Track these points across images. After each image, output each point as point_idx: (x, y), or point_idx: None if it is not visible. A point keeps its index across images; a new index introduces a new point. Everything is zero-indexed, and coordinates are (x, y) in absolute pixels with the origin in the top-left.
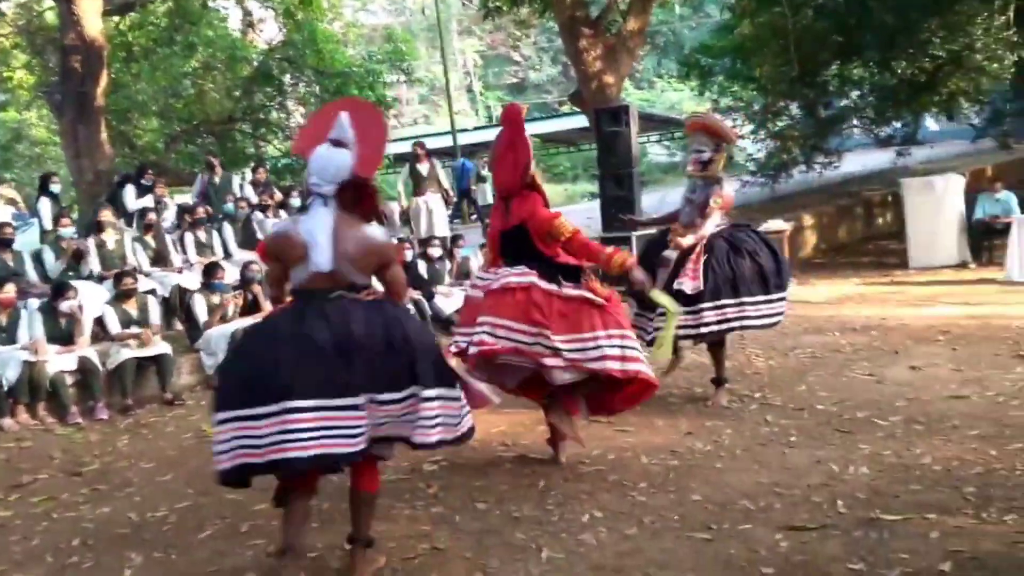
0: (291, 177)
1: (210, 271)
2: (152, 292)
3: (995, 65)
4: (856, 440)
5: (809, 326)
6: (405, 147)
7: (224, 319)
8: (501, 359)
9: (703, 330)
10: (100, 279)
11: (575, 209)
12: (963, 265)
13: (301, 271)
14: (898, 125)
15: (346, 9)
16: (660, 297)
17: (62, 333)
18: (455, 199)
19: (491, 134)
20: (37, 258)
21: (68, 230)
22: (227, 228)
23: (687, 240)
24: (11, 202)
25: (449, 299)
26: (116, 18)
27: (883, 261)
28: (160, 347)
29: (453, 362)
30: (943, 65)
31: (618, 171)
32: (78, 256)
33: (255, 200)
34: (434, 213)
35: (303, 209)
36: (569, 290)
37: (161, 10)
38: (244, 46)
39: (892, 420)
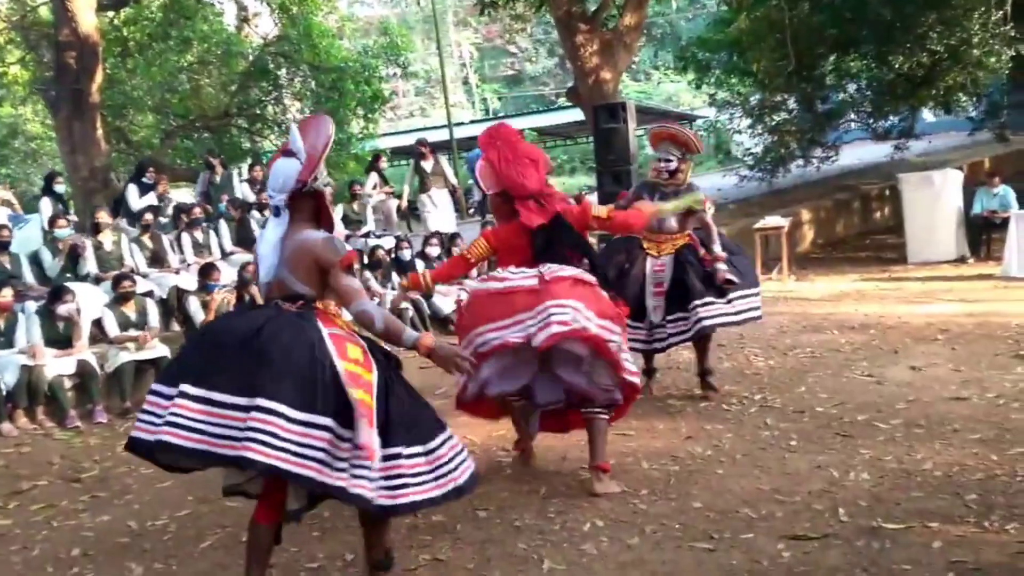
0: None
1: (206, 272)
2: (150, 294)
3: (992, 60)
4: (856, 444)
5: (808, 324)
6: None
7: None
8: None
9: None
10: (97, 281)
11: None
12: (961, 260)
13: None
14: (895, 119)
15: (341, 2)
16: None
17: (60, 336)
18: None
19: (488, 127)
20: (35, 260)
21: (64, 231)
22: (223, 227)
23: (717, 249)
24: (6, 203)
25: (447, 298)
26: (111, 13)
27: (881, 256)
28: (158, 349)
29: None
30: (940, 60)
31: (616, 168)
32: (75, 255)
33: (252, 198)
34: (440, 209)
35: None
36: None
37: (156, 5)
38: (239, 41)
39: (892, 423)
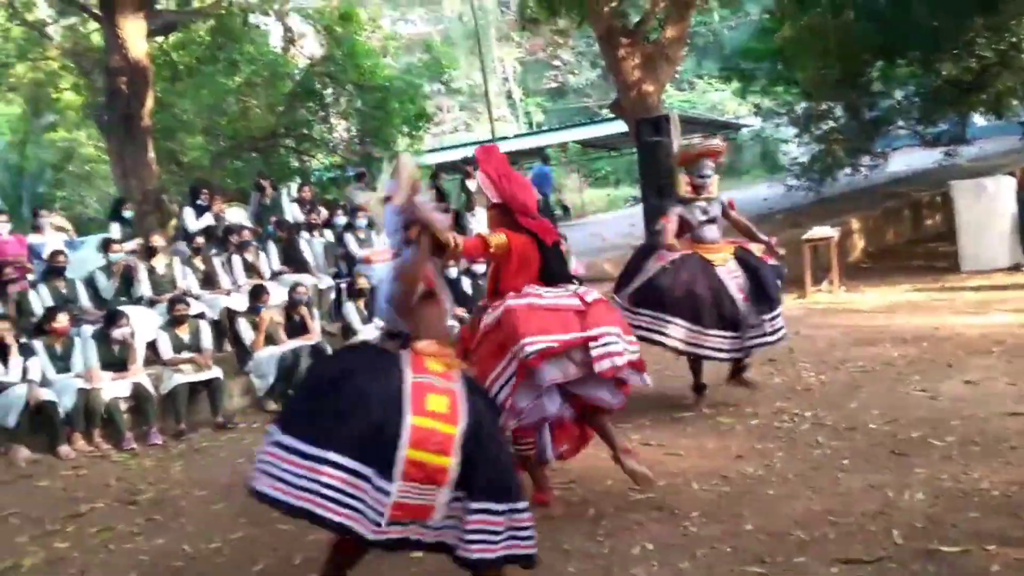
0: (336, 190)
1: (256, 294)
2: (202, 315)
3: None
4: (911, 463)
5: (860, 337)
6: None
7: (273, 340)
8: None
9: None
10: (151, 303)
11: (617, 216)
12: (1016, 267)
13: None
14: (945, 125)
15: (384, 20)
16: None
17: (115, 359)
18: None
19: (532, 141)
20: (90, 283)
21: (118, 255)
22: (271, 248)
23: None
24: (60, 229)
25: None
26: (160, 38)
27: (933, 264)
28: (212, 371)
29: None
30: (990, 65)
31: (660, 181)
32: (129, 277)
33: (300, 218)
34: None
35: (348, 228)
36: None
37: (204, 29)
38: (286, 62)
39: (948, 440)
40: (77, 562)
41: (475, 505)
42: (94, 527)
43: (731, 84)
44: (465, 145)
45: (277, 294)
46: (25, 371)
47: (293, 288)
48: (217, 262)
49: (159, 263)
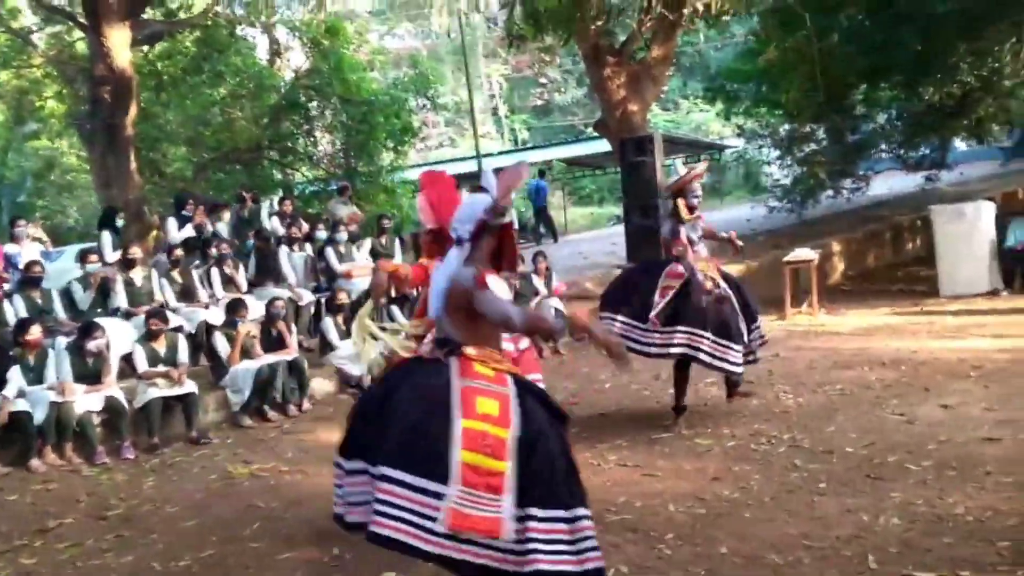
0: (318, 204)
1: (234, 308)
2: (179, 329)
3: None
4: (887, 487)
5: (838, 360)
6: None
7: (249, 355)
8: None
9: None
10: (127, 316)
11: (600, 234)
12: (994, 293)
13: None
14: (927, 150)
15: (372, 34)
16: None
17: (89, 372)
18: None
19: (517, 158)
20: (66, 294)
21: (95, 265)
22: (251, 262)
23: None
24: (36, 240)
25: None
26: (145, 48)
27: (913, 288)
28: (187, 386)
29: None
30: (972, 90)
31: (643, 201)
32: (105, 289)
33: (281, 231)
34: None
35: (329, 242)
36: None
37: (190, 39)
38: (271, 75)
39: (924, 465)
40: None
41: (540, 513)
42: (63, 543)
43: (716, 105)
44: (450, 161)
45: (255, 308)
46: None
47: (271, 302)
48: (195, 275)
49: (137, 275)
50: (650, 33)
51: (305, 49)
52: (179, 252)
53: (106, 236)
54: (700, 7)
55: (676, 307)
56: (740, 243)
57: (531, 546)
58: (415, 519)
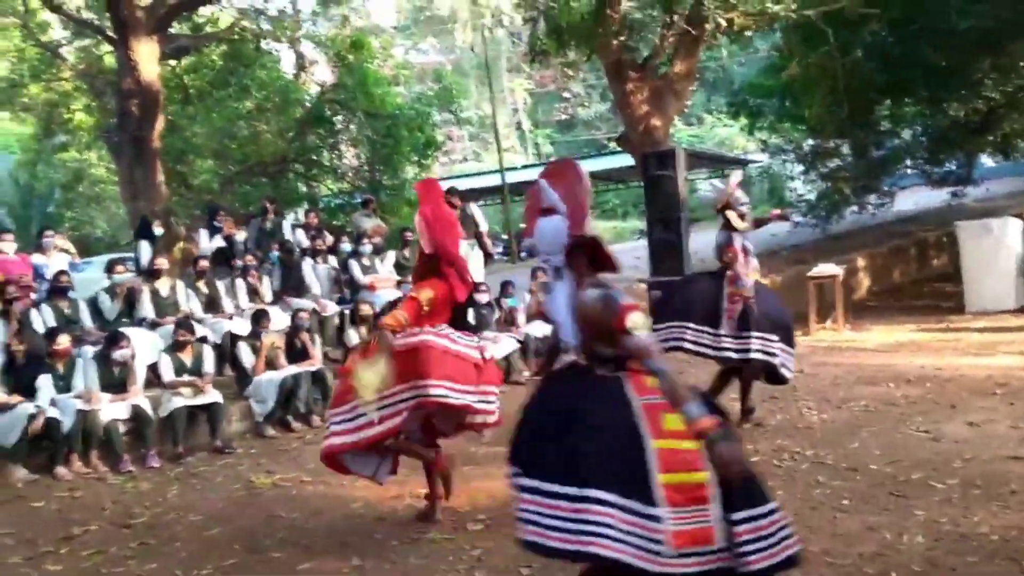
0: (343, 217)
1: (258, 319)
2: (204, 339)
3: None
4: (911, 505)
5: (863, 376)
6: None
7: (273, 365)
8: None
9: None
10: (153, 326)
11: (623, 248)
12: (1021, 310)
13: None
14: (952, 165)
15: (396, 49)
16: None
17: (115, 381)
18: (503, 237)
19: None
20: (93, 304)
21: (123, 276)
22: (275, 273)
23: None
24: (64, 251)
25: (497, 344)
26: (172, 62)
27: (939, 304)
28: (212, 395)
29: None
30: (997, 106)
31: (666, 215)
32: (132, 299)
33: (305, 243)
34: (468, 259)
35: (353, 254)
36: None
37: (216, 53)
38: (297, 88)
39: (948, 483)
40: None
41: (738, 516)
42: (87, 550)
43: (739, 120)
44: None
45: (279, 319)
46: (36, 391)
47: (295, 313)
48: (221, 286)
49: (163, 285)
50: (672, 48)
51: (330, 64)
52: (204, 263)
53: (144, 245)
54: (723, 22)
55: (745, 312)
56: (785, 211)
57: (744, 549)
58: (638, 541)
